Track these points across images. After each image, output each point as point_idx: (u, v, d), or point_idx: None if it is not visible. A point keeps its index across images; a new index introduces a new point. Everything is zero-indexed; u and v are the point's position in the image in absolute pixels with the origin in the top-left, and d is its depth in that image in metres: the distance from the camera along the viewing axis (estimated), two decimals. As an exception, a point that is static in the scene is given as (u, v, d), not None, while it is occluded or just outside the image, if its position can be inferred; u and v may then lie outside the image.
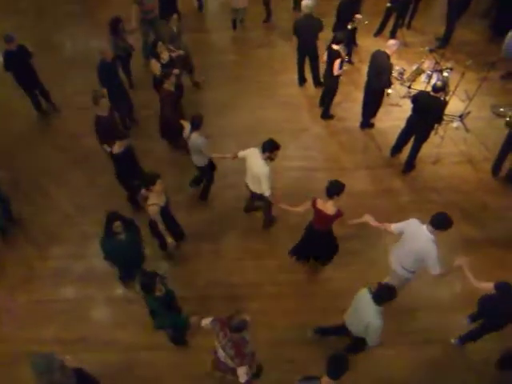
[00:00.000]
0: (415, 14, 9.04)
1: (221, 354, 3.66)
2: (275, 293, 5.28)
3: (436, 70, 7.29)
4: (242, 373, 3.50)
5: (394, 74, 7.38)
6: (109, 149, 5.28)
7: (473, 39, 8.88)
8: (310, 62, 7.55)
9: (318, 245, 5.06)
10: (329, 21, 7.61)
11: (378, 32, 8.91)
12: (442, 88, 5.76)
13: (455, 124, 7.14)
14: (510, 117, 7.21)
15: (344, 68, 6.74)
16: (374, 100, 6.80)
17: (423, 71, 7.63)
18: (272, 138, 4.82)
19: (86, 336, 4.89)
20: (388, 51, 6.26)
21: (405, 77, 7.73)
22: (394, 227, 4.47)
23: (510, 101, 7.36)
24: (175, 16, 6.68)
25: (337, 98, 7.24)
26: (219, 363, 3.85)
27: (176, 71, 6.24)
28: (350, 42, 7.76)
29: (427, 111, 5.82)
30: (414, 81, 7.69)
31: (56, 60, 8.43)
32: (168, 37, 6.78)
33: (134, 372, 4.61)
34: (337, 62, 6.41)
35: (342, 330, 4.32)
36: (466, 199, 6.22)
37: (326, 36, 7.15)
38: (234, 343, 3.50)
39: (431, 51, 7.65)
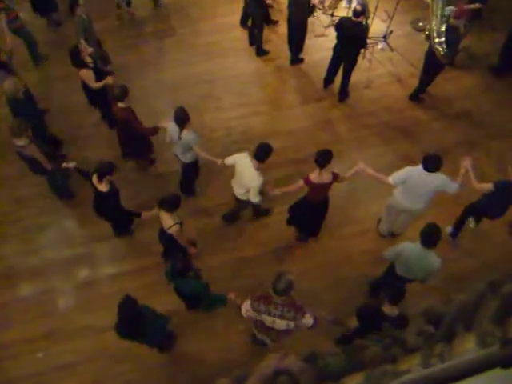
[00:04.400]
0: None
1: (279, 324, 3.45)
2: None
3: (354, -7, 7.21)
4: (310, 319, 3.43)
5: (315, 2, 7.21)
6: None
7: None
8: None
9: (317, 216, 4.90)
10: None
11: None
12: (362, 12, 5.71)
13: (380, 45, 7.22)
14: (429, 30, 7.43)
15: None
16: (298, 33, 6.66)
17: (342, -4, 7.52)
18: (264, 143, 4.32)
19: (54, 329, 4.73)
20: None
21: (326, 5, 7.58)
22: (393, 180, 4.39)
23: (427, 14, 7.45)
24: (81, 1, 5.63)
25: (265, 36, 7.03)
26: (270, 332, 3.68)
27: (110, 79, 5.42)
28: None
29: (351, 37, 5.80)
30: (335, 8, 7.57)
31: None
32: (82, 29, 5.75)
33: (109, 352, 4.57)
34: None
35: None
36: (400, 117, 6.46)
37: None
38: (290, 304, 3.37)
39: (346, -27, 7.50)
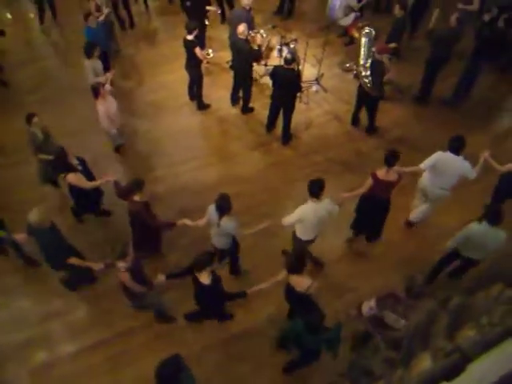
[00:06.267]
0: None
1: (400, 324, 3.37)
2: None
3: (284, 44, 7.75)
4: None
5: (258, 43, 7.58)
6: None
7: (309, 8, 9.66)
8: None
9: (380, 213, 5.23)
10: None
11: (223, 19, 9.21)
12: (292, 59, 6.15)
13: (314, 88, 7.75)
14: (356, 69, 8.11)
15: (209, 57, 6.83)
16: (245, 81, 7.04)
17: (273, 47, 8.05)
18: (314, 180, 4.44)
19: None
20: (242, 36, 6.49)
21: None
22: (424, 165, 5.02)
23: (351, 56, 8.17)
24: (35, 119, 5.29)
25: (204, 90, 7.31)
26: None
27: (110, 176, 5.06)
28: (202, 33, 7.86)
29: (286, 83, 6.20)
30: (268, 58, 8.09)
31: None
32: (34, 144, 5.41)
33: None
34: (197, 49, 6.50)
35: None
36: (343, 152, 6.83)
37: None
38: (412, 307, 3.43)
39: (274, 27, 8.09)
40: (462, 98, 7.45)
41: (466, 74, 7.20)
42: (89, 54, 6.13)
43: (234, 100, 7.48)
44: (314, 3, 9.68)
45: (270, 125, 6.97)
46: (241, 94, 7.32)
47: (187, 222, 4.71)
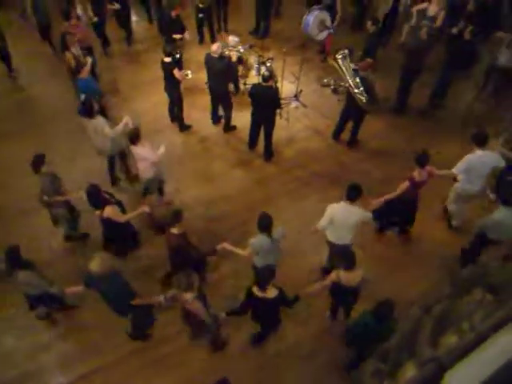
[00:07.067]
0: (227, 17, 9.70)
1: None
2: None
3: (261, 63, 7.91)
4: None
5: (234, 58, 7.71)
6: None
7: (284, 27, 9.90)
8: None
9: (410, 209, 5.50)
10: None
11: (201, 40, 9.39)
12: (270, 77, 6.27)
13: (293, 104, 7.89)
14: (333, 84, 8.30)
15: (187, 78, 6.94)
16: (224, 102, 7.13)
17: (251, 66, 8.21)
18: (352, 184, 4.54)
19: None
20: (215, 55, 6.60)
21: (238, 75, 8.20)
22: (457, 170, 5.15)
23: (328, 71, 8.35)
24: (43, 169, 4.99)
25: (185, 112, 7.36)
26: None
27: (146, 207, 5.04)
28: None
29: (265, 101, 6.30)
30: (247, 77, 8.24)
31: None
32: (52, 187, 5.16)
33: None
34: (176, 71, 6.57)
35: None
36: (326, 165, 6.93)
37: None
38: None
39: (251, 47, 8.26)
40: (437, 107, 7.68)
41: (439, 83, 7.44)
42: (91, 114, 5.61)
43: (215, 119, 7.56)
44: (289, 22, 9.90)
45: (252, 142, 7.04)
46: (221, 112, 7.41)
47: (227, 246, 4.64)
